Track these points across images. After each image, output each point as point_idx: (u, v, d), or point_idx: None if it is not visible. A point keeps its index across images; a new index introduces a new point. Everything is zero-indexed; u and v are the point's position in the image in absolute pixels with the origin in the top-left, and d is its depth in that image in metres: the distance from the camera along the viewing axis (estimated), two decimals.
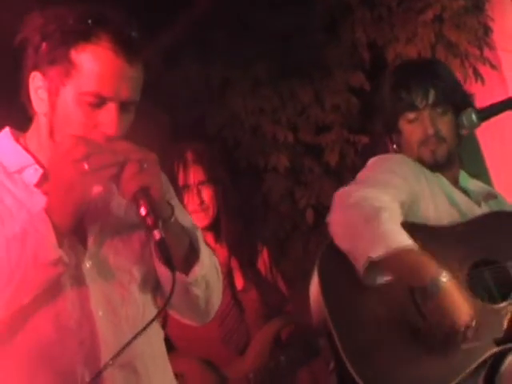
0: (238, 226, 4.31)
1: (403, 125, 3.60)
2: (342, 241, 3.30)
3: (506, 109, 3.39)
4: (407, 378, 3.25)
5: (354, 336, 3.29)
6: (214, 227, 4.25)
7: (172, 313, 2.78)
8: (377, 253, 3.15)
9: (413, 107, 3.53)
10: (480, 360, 3.26)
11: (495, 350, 3.26)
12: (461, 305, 3.15)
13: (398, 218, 3.28)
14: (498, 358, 3.29)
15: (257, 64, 5.29)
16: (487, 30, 5.13)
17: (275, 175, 5.31)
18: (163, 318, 3.62)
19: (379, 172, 3.47)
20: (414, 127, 3.56)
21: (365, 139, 5.20)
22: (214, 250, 4.09)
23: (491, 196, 3.75)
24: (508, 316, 3.31)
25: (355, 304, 3.35)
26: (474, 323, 3.12)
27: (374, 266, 3.19)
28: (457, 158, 3.68)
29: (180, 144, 4.31)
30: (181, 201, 3.94)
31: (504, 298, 3.34)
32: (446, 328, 3.14)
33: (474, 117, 3.40)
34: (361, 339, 3.29)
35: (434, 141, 3.53)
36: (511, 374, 3.28)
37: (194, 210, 4.14)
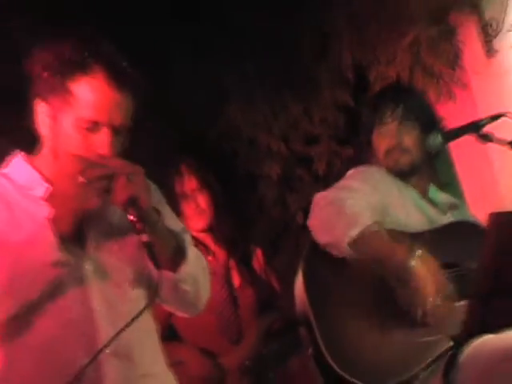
0: (232, 228, 4.47)
1: (375, 137, 3.77)
2: (320, 236, 3.42)
3: (468, 132, 3.51)
4: (373, 365, 3.32)
5: (330, 324, 3.38)
6: (212, 230, 4.40)
7: (166, 307, 2.88)
8: (354, 231, 3.25)
9: (383, 121, 3.71)
10: (439, 352, 3.33)
11: (452, 344, 3.33)
12: (434, 277, 3.24)
13: (364, 207, 3.37)
14: (456, 352, 3.33)
15: (254, 81, 5.39)
16: (458, 53, 5.21)
17: (269, 182, 5.43)
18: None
19: (353, 180, 3.62)
20: (382, 139, 3.73)
21: (350, 151, 5.32)
22: (213, 252, 4.26)
23: (454, 207, 3.89)
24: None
25: (333, 297, 3.43)
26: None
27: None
28: (425, 172, 3.82)
29: (174, 158, 4.47)
30: (178, 207, 4.10)
31: (463, 298, 3.36)
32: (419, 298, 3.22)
33: (439, 138, 3.54)
34: (336, 327, 3.37)
35: (398, 151, 3.69)
36: (468, 364, 3.29)
37: (191, 214, 4.35)
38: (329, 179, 5.21)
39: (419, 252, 3.24)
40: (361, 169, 3.77)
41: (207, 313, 3.89)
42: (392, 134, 3.70)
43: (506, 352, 3.18)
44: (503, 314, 2.88)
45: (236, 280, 4.34)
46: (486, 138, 3.42)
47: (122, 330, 2.48)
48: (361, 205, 3.36)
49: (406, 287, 3.23)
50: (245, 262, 4.43)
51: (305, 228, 5.14)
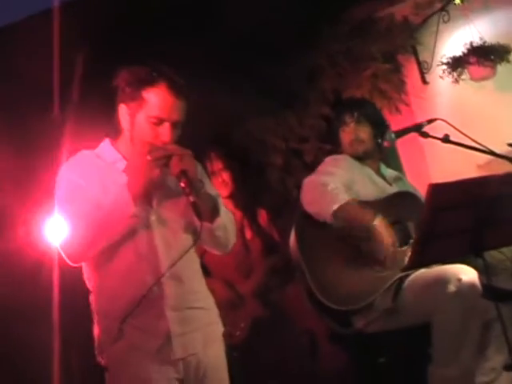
0: (246, 197, 4.40)
1: (341, 134, 3.75)
2: (310, 207, 3.43)
3: (412, 131, 3.49)
4: (345, 294, 3.33)
5: (315, 266, 3.39)
6: (233, 197, 4.30)
7: (206, 247, 2.86)
8: (335, 206, 3.28)
9: (345, 123, 3.69)
10: (391, 281, 3.34)
11: (400, 275, 3.33)
12: (390, 232, 3.24)
13: (341, 188, 3.38)
14: (401, 282, 3.37)
15: (263, 101, 5.19)
16: (403, 83, 5.19)
17: (273, 169, 5.28)
18: (203, 252, 3.69)
19: (330, 166, 3.61)
20: (345, 134, 3.72)
21: (329, 147, 5.16)
22: (233, 213, 4.17)
23: (398, 179, 3.86)
24: (408, 255, 3.36)
25: (317, 247, 3.45)
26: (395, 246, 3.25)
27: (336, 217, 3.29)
28: (376, 155, 3.78)
29: (208, 149, 4.39)
30: (211, 180, 4.03)
31: (405, 244, 3.42)
32: (385, 245, 3.25)
33: (392, 135, 3.49)
34: (319, 268, 3.38)
35: (356, 142, 3.67)
36: (409, 289, 3.33)
37: (218, 185, 4.23)
38: (315, 166, 5.07)
39: (379, 216, 3.24)
40: (333, 157, 3.76)
41: (228, 256, 3.86)
42: (351, 131, 3.68)
43: (433, 279, 3.26)
44: (435, 253, 2.82)
45: (248, 233, 4.27)
46: (425, 135, 3.39)
47: (177, 260, 2.56)
48: (338, 186, 3.36)
49: (372, 240, 3.25)
50: (255, 221, 4.34)
51: (298, 200, 5.13)
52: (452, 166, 4.68)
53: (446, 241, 2.76)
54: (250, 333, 3.98)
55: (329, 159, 3.73)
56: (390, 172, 3.86)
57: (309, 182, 3.50)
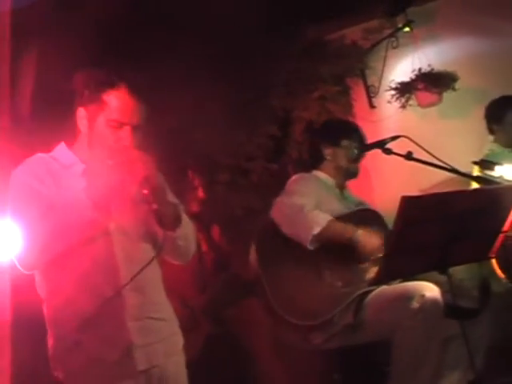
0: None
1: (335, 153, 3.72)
2: (285, 228, 3.35)
3: (375, 148, 3.44)
4: (305, 308, 3.28)
5: (275, 281, 3.34)
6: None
7: (166, 256, 2.73)
8: (316, 230, 3.24)
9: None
10: (353, 297, 3.29)
11: (362, 290, 3.30)
12: (375, 240, 3.28)
13: (314, 209, 3.34)
14: (362, 298, 3.32)
15: (215, 120, 5.07)
16: (351, 105, 5.23)
17: (220, 186, 5.14)
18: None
19: (300, 186, 3.54)
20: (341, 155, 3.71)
21: (275, 166, 5.14)
22: None
23: (361, 204, 3.81)
24: (369, 271, 3.37)
25: (277, 261, 3.38)
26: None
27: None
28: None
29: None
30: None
31: (366, 260, 3.39)
32: (372, 251, 3.26)
33: (355, 151, 3.52)
34: (278, 282, 3.33)
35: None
36: (370, 305, 3.29)
37: (192, 200, 4.21)
38: (260, 186, 5.09)
39: (360, 230, 3.29)
40: (301, 175, 3.70)
41: (184, 269, 3.74)
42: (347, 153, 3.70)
43: (396, 295, 3.22)
44: (403, 268, 2.80)
45: (204, 246, 4.14)
46: (388, 152, 3.36)
47: (140, 271, 2.44)
48: (312, 207, 3.34)
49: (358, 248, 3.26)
50: (209, 235, 4.24)
51: (243, 219, 5.05)
52: (395, 189, 4.69)
53: (414, 255, 2.72)
54: (203, 350, 3.85)
55: (297, 178, 3.66)
56: (353, 197, 3.86)
57: (283, 203, 3.42)
